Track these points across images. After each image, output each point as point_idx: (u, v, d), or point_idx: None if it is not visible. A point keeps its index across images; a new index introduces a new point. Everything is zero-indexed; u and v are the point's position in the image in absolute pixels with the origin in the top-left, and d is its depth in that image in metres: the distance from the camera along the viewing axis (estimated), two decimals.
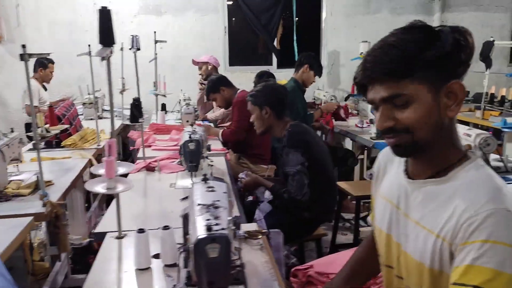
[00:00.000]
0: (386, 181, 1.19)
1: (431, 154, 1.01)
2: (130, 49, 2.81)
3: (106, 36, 1.48)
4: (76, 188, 2.98)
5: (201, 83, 4.78)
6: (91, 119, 4.49)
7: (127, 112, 4.96)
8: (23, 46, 1.96)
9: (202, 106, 4.75)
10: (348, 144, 5.21)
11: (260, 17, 5.77)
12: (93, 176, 3.98)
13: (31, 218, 1.94)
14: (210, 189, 1.43)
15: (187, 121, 3.62)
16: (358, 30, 5.91)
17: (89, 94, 4.67)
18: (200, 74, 4.75)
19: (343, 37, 5.96)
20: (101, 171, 1.46)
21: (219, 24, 5.80)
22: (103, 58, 1.44)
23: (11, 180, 2.39)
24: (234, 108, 3.62)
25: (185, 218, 1.55)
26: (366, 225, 3.66)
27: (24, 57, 1.93)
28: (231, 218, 1.15)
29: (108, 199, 4.41)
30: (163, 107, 4.80)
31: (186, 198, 2.21)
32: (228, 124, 4.40)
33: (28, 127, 4.48)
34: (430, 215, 1.00)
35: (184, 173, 2.65)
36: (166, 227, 1.48)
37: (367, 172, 4.86)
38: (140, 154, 3.12)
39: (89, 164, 2.93)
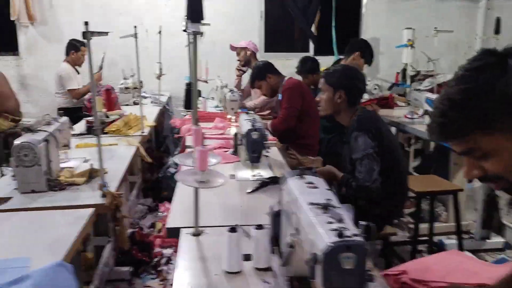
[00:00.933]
0: None
1: None
2: (184, 30, 2.62)
3: (196, 11, 1.32)
4: None
5: (239, 69, 4.61)
6: (127, 104, 4.37)
7: (163, 99, 4.86)
8: (86, 23, 1.82)
9: None
10: None
11: (297, 1, 5.55)
12: (131, 165, 3.86)
13: (92, 209, 1.81)
14: (312, 185, 1.28)
15: (232, 109, 3.46)
16: (400, 16, 5.64)
17: (124, 78, 4.54)
18: (238, 60, 4.58)
19: (384, 23, 5.71)
20: (188, 161, 1.31)
21: (255, 8, 5.60)
22: (195, 33, 1.28)
23: (62, 168, 2.27)
24: (284, 94, 3.45)
25: (276, 216, 1.41)
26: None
27: (86, 35, 1.79)
28: (365, 223, 0.99)
29: (144, 188, 4.29)
30: (199, 93, 4.63)
31: (253, 191, 2.05)
32: (267, 112, 4.23)
33: (63, 112, 4.35)
34: None
35: (240, 164, 2.50)
36: (259, 226, 1.33)
37: (412, 165, 4.67)
38: (187, 142, 2.97)
39: (137, 151, 2.80)
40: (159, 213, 3.85)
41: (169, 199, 3.93)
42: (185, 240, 1.52)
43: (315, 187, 1.27)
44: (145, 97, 4.78)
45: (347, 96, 2.28)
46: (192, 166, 1.29)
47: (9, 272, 1.27)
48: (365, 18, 5.79)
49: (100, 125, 1.97)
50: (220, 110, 4.09)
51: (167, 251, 3.22)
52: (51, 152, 2.11)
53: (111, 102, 2.53)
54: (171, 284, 3.13)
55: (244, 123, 2.38)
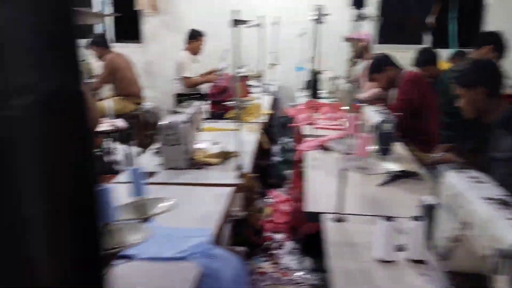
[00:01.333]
0: None
1: None
2: (315, 19, 2.65)
3: None
4: None
5: (352, 60, 4.53)
6: None
7: (273, 88, 4.95)
8: (238, 13, 1.91)
9: None
10: None
11: None
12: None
13: (232, 188, 1.91)
14: (477, 179, 1.23)
15: (348, 100, 3.43)
16: None
17: (238, 68, 4.67)
18: (353, 51, 4.50)
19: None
20: (340, 147, 1.33)
21: None
22: (359, 18, 1.30)
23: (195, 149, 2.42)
24: (402, 87, 3.33)
25: (429, 209, 1.38)
26: None
27: (243, 22, 1.88)
28: None
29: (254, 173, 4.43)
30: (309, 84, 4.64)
31: (386, 183, 2.02)
32: (379, 105, 4.13)
33: (181, 97, 4.61)
34: None
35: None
36: (417, 218, 1.31)
37: None
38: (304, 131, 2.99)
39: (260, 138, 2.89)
40: (267, 199, 3.95)
41: (276, 186, 4.03)
42: (328, 225, 1.54)
43: (480, 182, 1.22)
44: (257, 86, 4.91)
45: (486, 90, 2.12)
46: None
47: (194, 241, 1.39)
48: (490, 9, 5.36)
49: (239, 111, 2.06)
50: (333, 100, 4.07)
51: (278, 236, 3.30)
52: (190, 133, 2.26)
53: (244, 89, 2.66)
54: (282, 268, 3.18)
55: (374, 114, 2.35)
